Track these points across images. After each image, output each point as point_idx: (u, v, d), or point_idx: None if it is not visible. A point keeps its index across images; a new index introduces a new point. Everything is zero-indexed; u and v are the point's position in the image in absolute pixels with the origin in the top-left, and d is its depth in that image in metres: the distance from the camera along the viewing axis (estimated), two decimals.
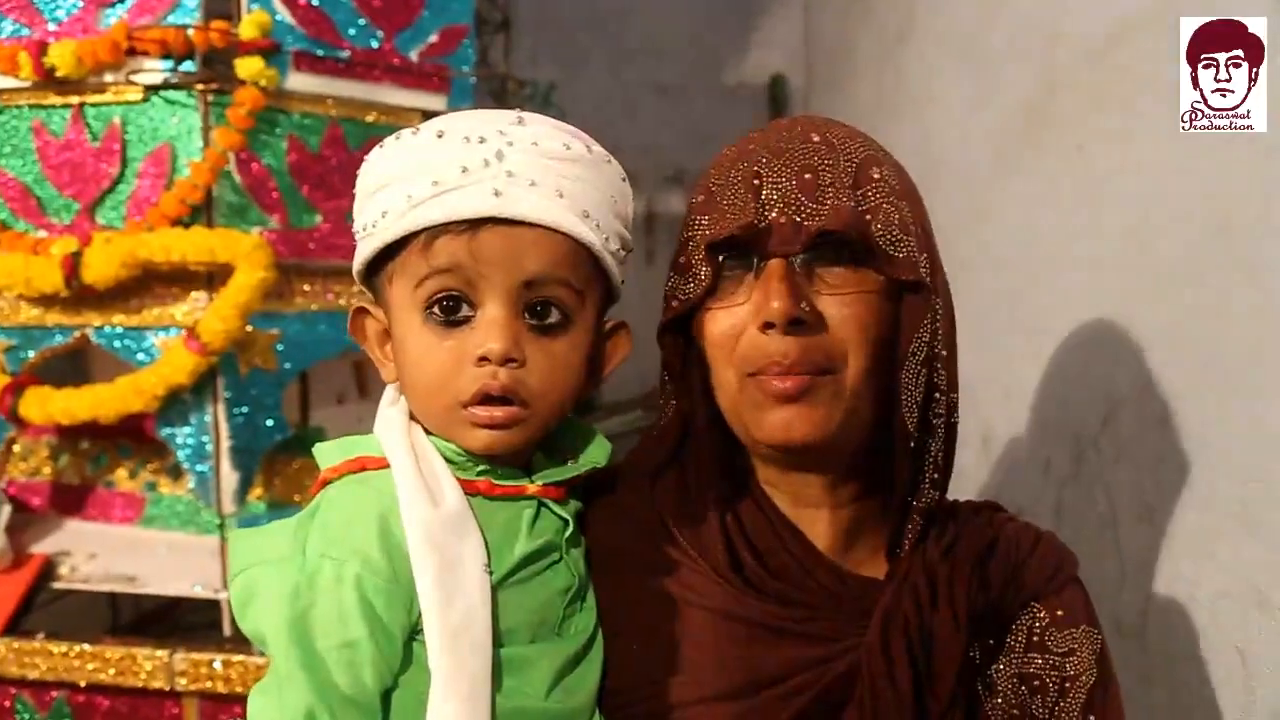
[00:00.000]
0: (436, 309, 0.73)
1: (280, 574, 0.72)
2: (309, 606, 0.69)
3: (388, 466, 0.74)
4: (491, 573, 0.72)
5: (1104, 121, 1.30)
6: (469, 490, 0.75)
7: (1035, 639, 0.80)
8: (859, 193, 0.74)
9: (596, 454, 0.82)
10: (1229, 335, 1.00)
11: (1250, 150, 0.97)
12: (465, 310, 0.73)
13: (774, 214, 0.74)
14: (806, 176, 0.74)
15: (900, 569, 0.79)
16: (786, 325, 0.72)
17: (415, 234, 0.73)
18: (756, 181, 0.75)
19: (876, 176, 0.76)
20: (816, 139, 0.76)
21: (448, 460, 0.76)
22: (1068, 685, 0.79)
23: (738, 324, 0.76)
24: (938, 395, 0.77)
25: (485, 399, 0.73)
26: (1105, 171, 1.30)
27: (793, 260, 0.74)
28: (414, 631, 0.71)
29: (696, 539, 0.81)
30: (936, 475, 0.78)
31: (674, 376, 0.83)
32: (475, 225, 0.71)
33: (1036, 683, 0.79)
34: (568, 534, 0.78)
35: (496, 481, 0.76)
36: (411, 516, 0.70)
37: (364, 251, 0.78)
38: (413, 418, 0.79)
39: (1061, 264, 1.41)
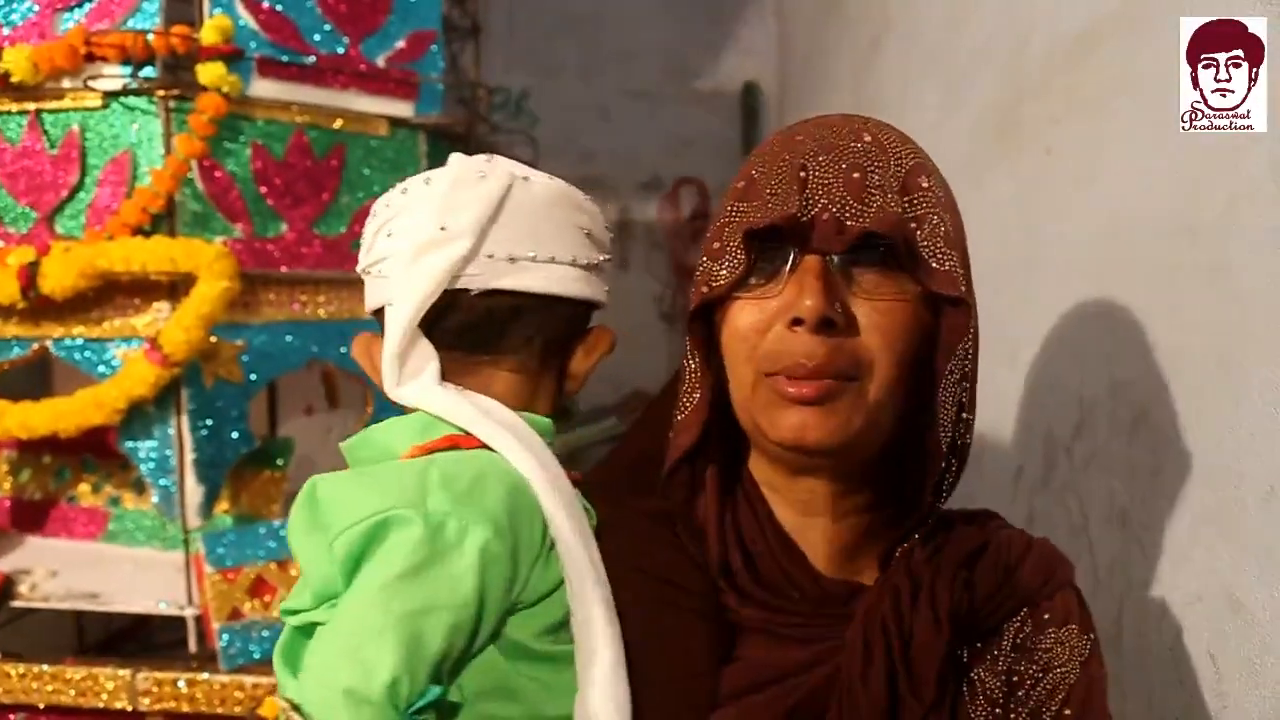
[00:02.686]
0: None
1: (401, 528, 0.66)
2: (423, 564, 0.64)
3: (482, 447, 0.73)
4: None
5: (1073, 125, 1.30)
6: None
7: (1020, 640, 0.79)
8: (906, 199, 0.72)
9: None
10: (1199, 338, 1.00)
11: (1218, 152, 0.97)
12: None
13: (818, 209, 0.72)
14: (855, 176, 0.72)
15: (886, 573, 0.78)
16: (817, 324, 0.69)
17: None
18: (803, 174, 0.73)
19: (925, 185, 0.73)
20: (868, 139, 0.74)
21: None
22: (1049, 684, 0.78)
23: (765, 319, 0.73)
24: (965, 415, 0.75)
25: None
26: (1075, 175, 1.29)
27: (830, 259, 0.72)
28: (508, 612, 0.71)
29: (694, 538, 0.80)
30: (946, 493, 0.77)
31: (697, 366, 0.80)
32: None
33: (1018, 681, 0.78)
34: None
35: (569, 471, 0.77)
36: (548, 486, 0.71)
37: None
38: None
39: (1031, 268, 1.41)
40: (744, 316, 0.75)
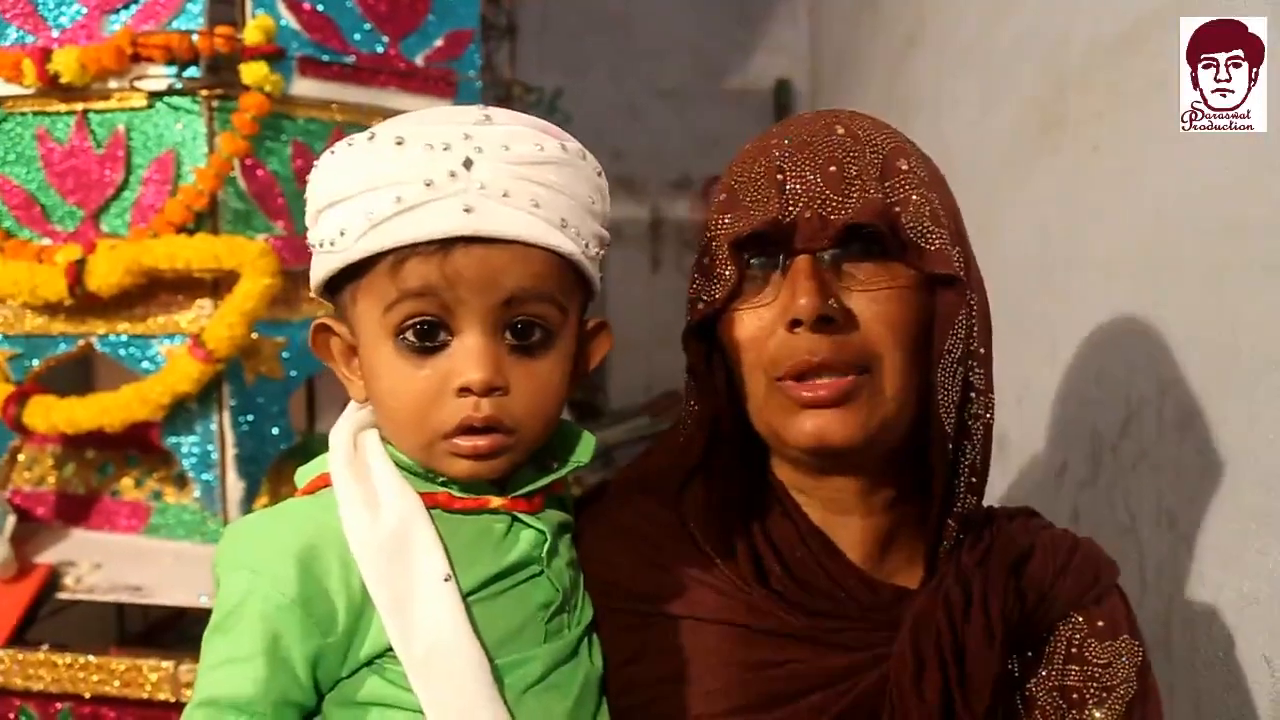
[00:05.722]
0: (410, 335, 0.68)
1: (217, 582, 0.71)
2: (221, 620, 0.68)
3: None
4: (457, 583, 0.69)
5: (1118, 122, 1.29)
6: (430, 503, 0.72)
7: (1074, 650, 0.77)
8: (886, 185, 0.72)
9: (581, 454, 0.78)
10: (1250, 335, 0.98)
11: (1265, 148, 0.96)
12: (442, 335, 0.69)
13: (799, 209, 0.72)
14: (832, 169, 0.72)
15: (933, 578, 0.77)
16: (815, 323, 0.69)
17: (380, 254, 0.67)
18: (780, 176, 0.73)
19: (904, 168, 0.73)
20: (841, 131, 0.74)
21: (411, 472, 0.73)
22: (1105, 696, 0.76)
23: (765, 325, 0.73)
24: (974, 395, 0.74)
25: (468, 429, 0.69)
26: (1120, 171, 1.28)
27: (820, 256, 0.72)
28: (367, 662, 0.69)
29: (722, 550, 0.79)
30: (974, 479, 0.75)
31: (699, 382, 0.80)
32: (446, 245, 0.66)
33: (1075, 695, 0.77)
34: (546, 547, 0.75)
35: (457, 495, 0.73)
36: (355, 542, 0.68)
37: (321, 269, 0.72)
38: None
39: (1077, 265, 1.39)
40: (744, 327, 0.75)
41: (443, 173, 0.66)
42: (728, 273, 0.75)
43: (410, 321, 0.69)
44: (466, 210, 0.66)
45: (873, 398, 0.72)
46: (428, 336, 0.69)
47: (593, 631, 0.79)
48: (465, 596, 0.69)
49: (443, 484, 0.74)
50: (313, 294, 0.77)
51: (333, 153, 0.71)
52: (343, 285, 0.72)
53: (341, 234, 0.68)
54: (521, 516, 0.75)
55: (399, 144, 0.67)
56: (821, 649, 0.75)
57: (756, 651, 0.75)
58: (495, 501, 0.74)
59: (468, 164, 0.66)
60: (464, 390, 0.68)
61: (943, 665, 0.72)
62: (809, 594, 0.77)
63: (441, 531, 0.70)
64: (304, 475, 0.77)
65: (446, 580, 0.68)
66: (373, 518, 0.69)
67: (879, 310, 0.71)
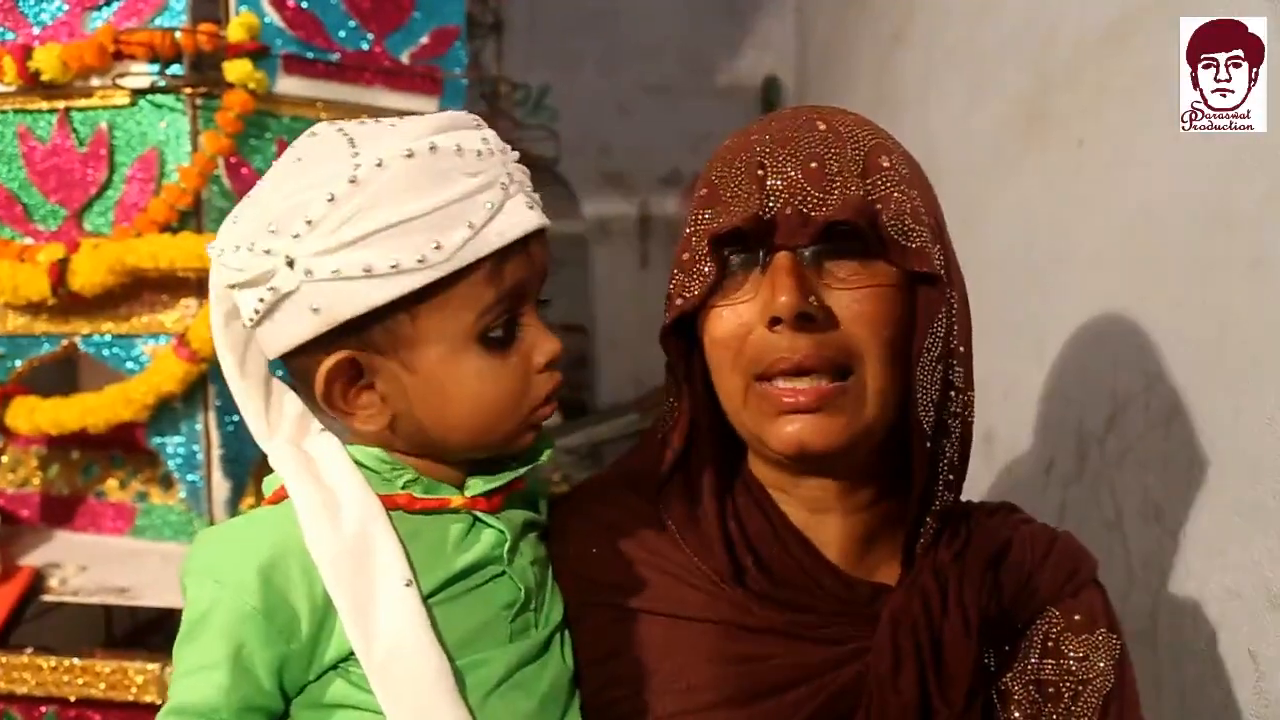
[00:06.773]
0: (499, 331, 0.72)
1: (185, 591, 0.71)
2: (190, 628, 0.69)
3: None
4: (418, 587, 0.69)
5: (1104, 117, 1.29)
6: (390, 505, 0.72)
7: (1050, 644, 0.78)
8: (868, 182, 0.72)
9: (539, 454, 0.79)
10: (1235, 331, 0.99)
11: (1252, 144, 0.96)
12: (516, 325, 0.74)
13: (779, 205, 0.71)
14: (813, 166, 0.71)
15: (910, 573, 0.77)
16: (794, 320, 0.69)
17: (474, 262, 0.69)
18: (760, 172, 0.72)
19: (886, 165, 0.73)
20: (823, 127, 0.73)
21: (372, 470, 0.74)
22: (1081, 689, 0.76)
23: (744, 323, 0.73)
24: (953, 393, 0.74)
25: (550, 397, 0.76)
26: (1107, 167, 1.28)
27: (800, 253, 0.71)
28: (332, 665, 0.70)
29: (700, 546, 0.79)
30: (952, 476, 0.76)
31: (677, 380, 0.80)
32: (526, 241, 0.71)
33: (1051, 689, 0.77)
34: (506, 546, 0.76)
35: (418, 495, 0.74)
36: (315, 550, 0.68)
37: (385, 293, 0.67)
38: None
39: (1063, 261, 1.39)
40: (722, 324, 0.74)
41: (504, 174, 0.71)
42: (707, 269, 0.74)
43: (500, 319, 0.72)
44: (530, 206, 0.72)
45: (854, 402, 0.72)
46: (511, 328, 0.73)
47: (564, 630, 0.79)
48: (426, 599, 0.70)
49: (404, 485, 0.75)
50: (305, 338, 0.74)
51: (354, 180, 0.66)
52: (393, 312, 0.69)
53: (436, 248, 0.66)
54: (482, 516, 0.76)
55: (458, 151, 0.69)
56: (801, 644, 0.75)
57: (736, 646, 0.75)
58: (455, 501, 0.75)
59: (504, 163, 0.72)
60: (549, 364, 0.74)
61: (919, 659, 0.72)
62: (785, 590, 0.77)
63: (401, 534, 0.71)
64: (270, 484, 0.77)
65: (408, 586, 0.69)
66: (333, 524, 0.69)
67: (860, 309, 0.71)
